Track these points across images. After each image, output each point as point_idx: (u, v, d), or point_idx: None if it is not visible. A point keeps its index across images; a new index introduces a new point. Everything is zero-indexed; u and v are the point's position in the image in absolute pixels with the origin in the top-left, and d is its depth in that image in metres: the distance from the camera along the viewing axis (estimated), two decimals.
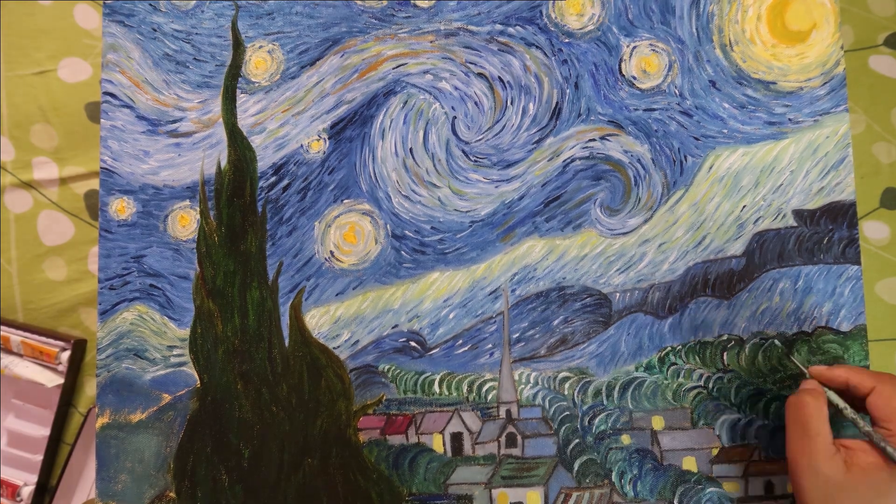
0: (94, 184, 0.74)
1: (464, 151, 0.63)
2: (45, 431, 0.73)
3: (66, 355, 0.71)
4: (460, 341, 0.62)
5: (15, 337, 0.72)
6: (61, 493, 0.73)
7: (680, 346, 0.61)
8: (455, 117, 0.63)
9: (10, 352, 0.72)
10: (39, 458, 0.73)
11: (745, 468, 0.60)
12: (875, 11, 0.71)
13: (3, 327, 0.73)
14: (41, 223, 0.74)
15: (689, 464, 0.60)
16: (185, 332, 0.63)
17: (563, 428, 0.61)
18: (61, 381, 0.72)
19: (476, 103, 0.63)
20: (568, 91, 0.63)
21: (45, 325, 0.74)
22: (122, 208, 0.63)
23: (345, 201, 0.63)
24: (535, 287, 0.62)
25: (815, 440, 0.51)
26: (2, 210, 0.74)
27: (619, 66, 0.63)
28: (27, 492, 0.72)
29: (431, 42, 0.63)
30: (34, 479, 0.72)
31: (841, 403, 0.54)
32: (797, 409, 0.53)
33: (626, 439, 0.61)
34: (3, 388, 0.74)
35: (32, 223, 0.74)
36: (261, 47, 0.64)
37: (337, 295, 0.63)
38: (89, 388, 0.74)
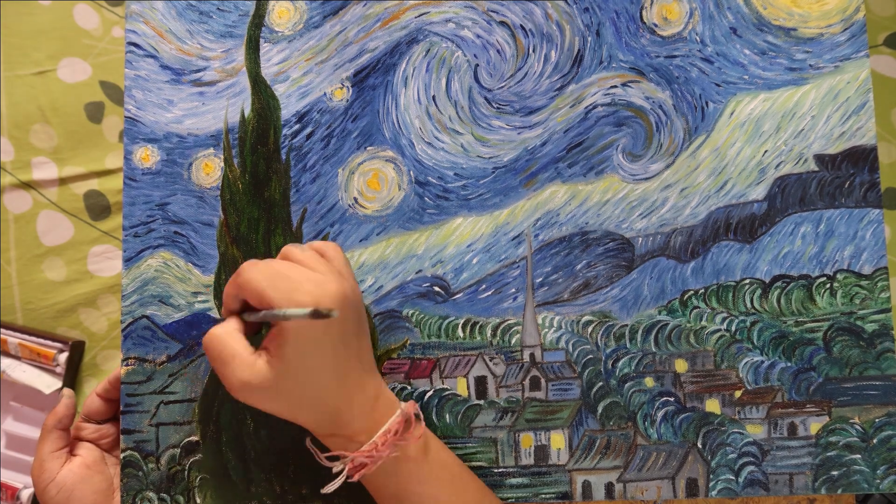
0: (94, 184, 0.75)
1: (486, 98, 0.63)
2: None
3: (63, 357, 0.72)
4: (484, 286, 0.62)
5: (12, 339, 0.72)
6: None
7: (702, 290, 0.61)
8: (477, 65, 0.64)
9: (7, 354, 0.73)
10: None
11: (767, 410, 0.60)
12: (875, 11, 0.71)
13: (1, 330, 0.73)
14: (40, 223, 0.74)
15: (713, 406, 0.60)
16: (210, 279, 0.63)
17: (587, 371, 0.61)
18: (59, 384, 0.71)
19: (498, 51, 0.64)
20: (589, 38, 0.63)
21: (44, 326, 0.74)
22: (146, 156, 0.64)
23: (368, 148, 0.63)
24: (558, 232, 0.62)
25: (234, 362, 0.48)
26: (1, 210, 0.74)
27: (641, 13, 0.63)
28: (27, 494, 0.72)
29: None
30: None
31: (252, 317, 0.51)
32: (209, 346, 0.50)
33: (649, 382, 0.61)
34: (2, 391, 0.74)
35: (32, 223, 0.75)
36: None
37: (361, 241, 0.63)
38: (88, 389, 0.74)
